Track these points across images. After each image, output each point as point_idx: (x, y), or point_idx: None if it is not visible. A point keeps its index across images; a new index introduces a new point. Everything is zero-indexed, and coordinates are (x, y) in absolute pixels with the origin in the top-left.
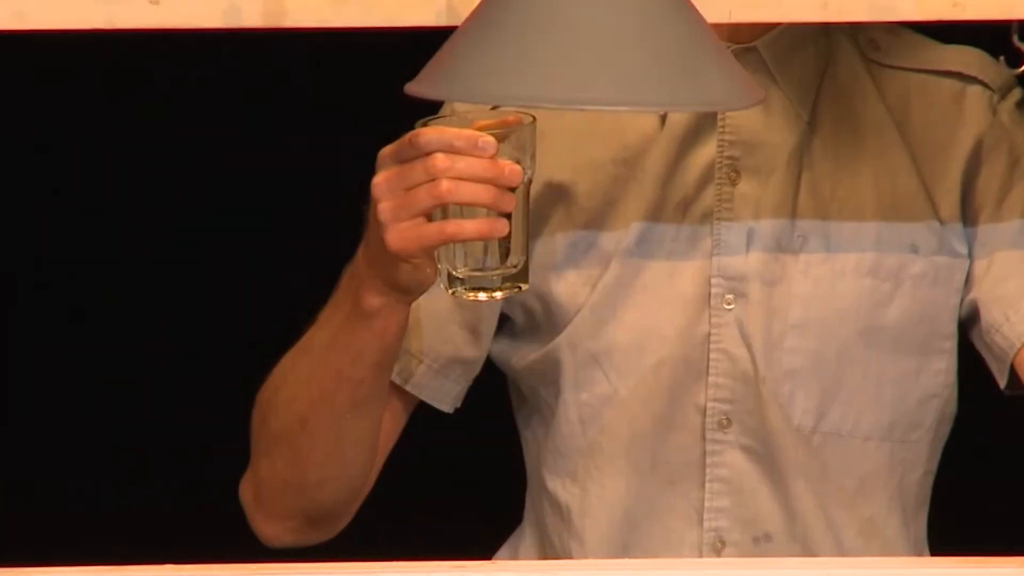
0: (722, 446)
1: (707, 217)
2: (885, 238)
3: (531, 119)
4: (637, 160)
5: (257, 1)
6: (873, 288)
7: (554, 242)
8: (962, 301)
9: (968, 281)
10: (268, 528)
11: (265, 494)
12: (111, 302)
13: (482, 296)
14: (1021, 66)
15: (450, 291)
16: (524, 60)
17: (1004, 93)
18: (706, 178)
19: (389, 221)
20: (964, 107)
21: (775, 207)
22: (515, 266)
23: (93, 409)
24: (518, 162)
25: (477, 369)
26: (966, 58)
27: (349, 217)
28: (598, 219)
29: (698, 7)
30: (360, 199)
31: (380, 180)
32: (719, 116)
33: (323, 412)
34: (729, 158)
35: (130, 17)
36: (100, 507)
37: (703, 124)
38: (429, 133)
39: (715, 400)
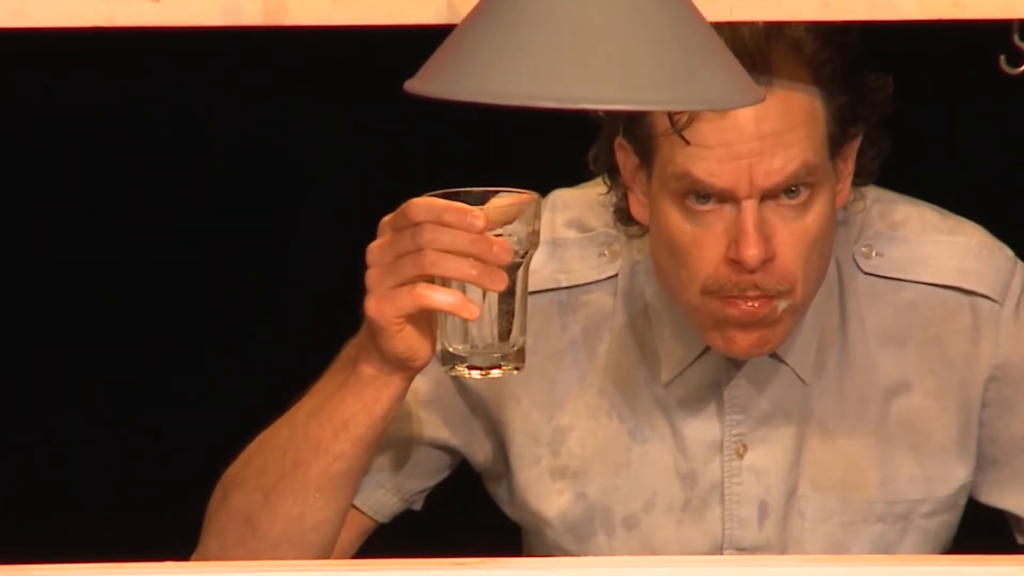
0: None
1: (714, 489)
2: (891, 490)
3: (534, 197)
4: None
5: None
6: (884, 531)
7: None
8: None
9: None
10: None
11: None
12: (111, 302)
13: (476, 375)
14: (1021, 66)
15: (444, 367)
16: (523, 58)
17: (1005, 297)
18: (712, 450)
19: (372, 287)
20: (969, 325)
21: (784, 475)
22: (511, 346)
23: (93, 409)
24: (515, 239)
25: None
26: (966, 265)
27: (349, 216)
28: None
29: (699, 4)
30: (358, 197)
31: (373, 246)
32: (724, 394)
33: (292, 485)
34: (737, 435)
35: (131, 15)
36: (100, 507)
37: (704, 394)
38: (419, 203)
39: None
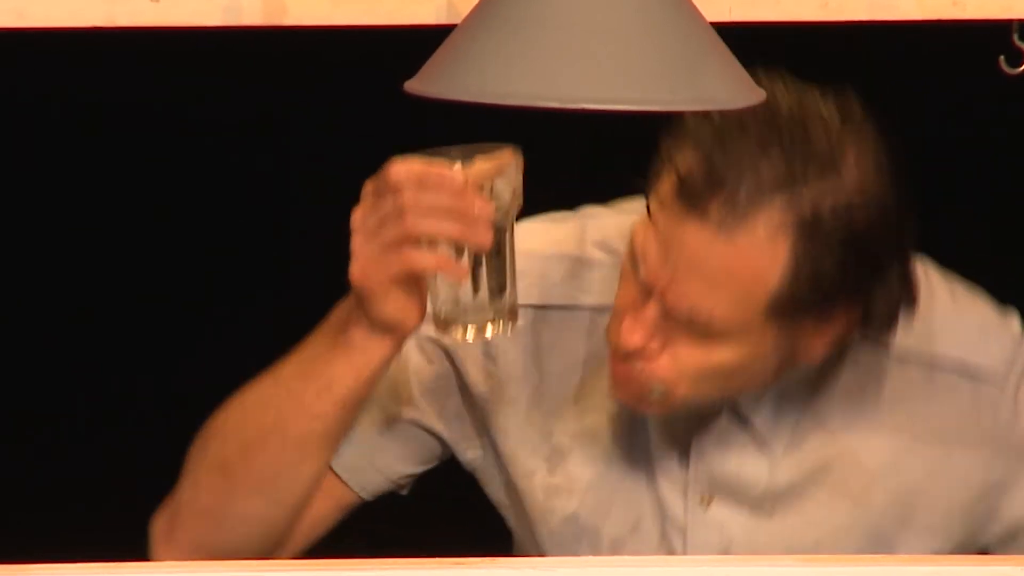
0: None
1: (680, 531)
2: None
3: (514, 154)
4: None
5: None
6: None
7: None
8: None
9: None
10: (167, 559)
11: (179, 522)
12: (111, 302)
13: (469, 336)
14: (1021, 66)
15: (437, 332)
16: (524, 58)
17: (1007, 377)
18: (678, 493)
19: (357, 253)
20: (968, 406)
21: (748, 533)
22: (503, 305)
23: (93, 409)
24: (497, 195)
25: (401, 483)
26: (969, 345)
27: (349, 217)
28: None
29: (698, 4)
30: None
31: (356, 213)
32: (692, 442)
33: (270, 441)
34: (703, 485)
35: (130, 15)
36: (100, 507)
37: (676, 436)
38: (399, 167)
39: None
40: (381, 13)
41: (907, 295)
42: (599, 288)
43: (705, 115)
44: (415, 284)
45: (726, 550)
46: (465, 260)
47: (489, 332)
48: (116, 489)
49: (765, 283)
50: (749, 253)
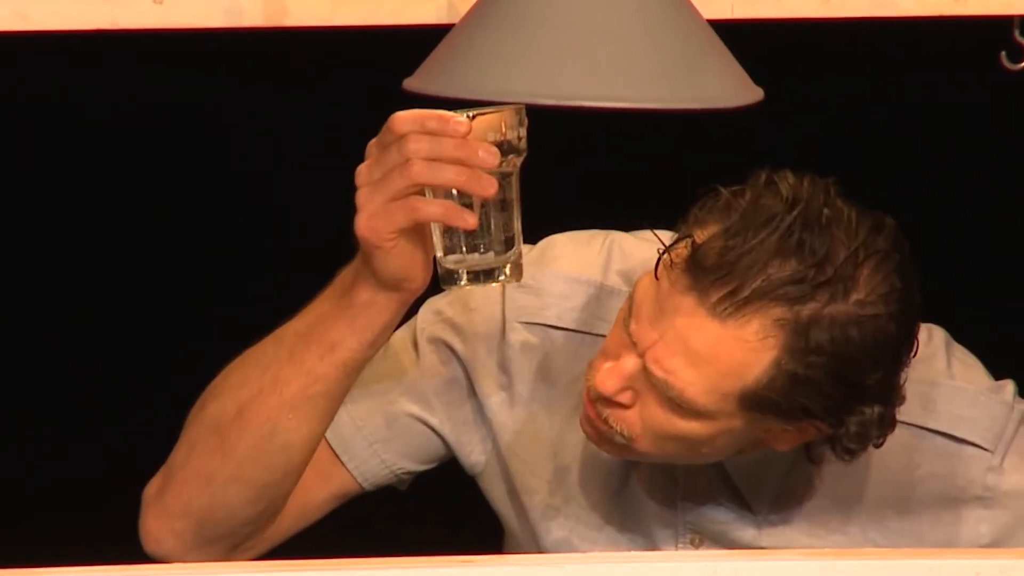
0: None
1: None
2: None
3: (518, 109)
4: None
5: (259, 0)
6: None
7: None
8: None
9: None
10: (155, 524)
11: (170, 484)
12: (111, 302)
13: (476, 285)
14: (1022, 62)
15: (443, 285)
16: (522, 57)
17: (997, 445)
18: (669, 533)
19: (362, 206)
20: (957, 472)
21: None
22: (509, 257)
23: (93, 409)
24: (502, 146)
25: (403, 478)
26: (962, 412)
27: (350, 217)
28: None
29: (699, 2)
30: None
31: (361, 168)
32: (680, 482)
33: (267, 401)
34: (692, 527)
35: (133, 17)
36: (100, 507)
37: (666, 476)
38: (402, 115)
39: None
40: (382, 14)
41: (881, 427)
42: (613, 318)
43: (740, 195)
44: (420, 239)
45: None
46: (471, 211)
47: (494, 284)
48: (116, 489)
49: (742, 377)
50: (735, 345)
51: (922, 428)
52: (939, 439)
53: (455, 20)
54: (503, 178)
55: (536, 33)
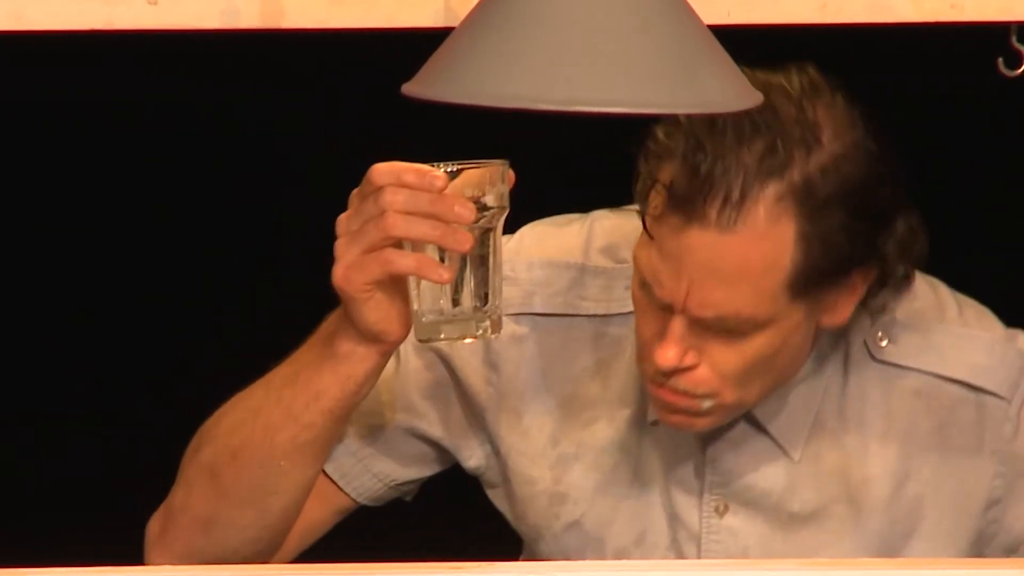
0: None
1: (693, 539)
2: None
3: (502, 165)
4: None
5: (255, 2)
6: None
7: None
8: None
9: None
10: (160, 562)
11: (172, 526)
12: (111, 302)
13: (453, 340)
14: (1019, 68)
15: (419, 339)
16: (521, 61)
17: (1014, 393)
18: (693, 503)
19: (340, 256)
20: (973, 420)
21: (763, 541)
22: (487, 313)
23: (93, 409)
24: (480, 202)
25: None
26: (977, 360)
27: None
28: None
29: (697, 7)
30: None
31: (341, 217)
32: (707, 452)
33: (260, 448)
34: (718, 494)
35: (129, 18)
36: (100, 507)
37: (688, 447)
38: (381, 167)
39: None
40: (378, 16)
41: (919, 242)
42: (601, 297)
43: (674, 124)
44: (398, 292)
45: (743, 557)
46: (447, 265)
47: (469, 340)
48: (116, 489)
49: (780, 266)
50: (756, 243)
51: (940, 377)
52: (957, 388)
53: (450, 24)
54: (482, 233)
55: (534, 37)
